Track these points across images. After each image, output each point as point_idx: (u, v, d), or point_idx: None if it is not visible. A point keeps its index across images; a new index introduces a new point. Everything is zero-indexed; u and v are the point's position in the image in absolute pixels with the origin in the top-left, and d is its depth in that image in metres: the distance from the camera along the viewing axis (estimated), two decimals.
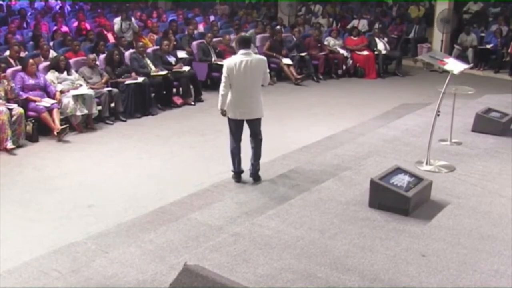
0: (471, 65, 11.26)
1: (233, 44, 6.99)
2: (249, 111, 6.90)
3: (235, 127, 7.01)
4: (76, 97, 9.49)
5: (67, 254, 5.31)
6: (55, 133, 9.04)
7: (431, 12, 18.30)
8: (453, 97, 7.90)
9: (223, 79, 6.89)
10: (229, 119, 7.00)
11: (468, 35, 15.93)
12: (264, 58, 7.23)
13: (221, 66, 12.14)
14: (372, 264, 4.61)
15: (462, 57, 13.87)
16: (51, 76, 9.80)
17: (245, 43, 6.96)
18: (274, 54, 13.84)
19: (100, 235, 5.74)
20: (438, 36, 16.14)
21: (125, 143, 9.14)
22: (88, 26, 14.97)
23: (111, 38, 13.89)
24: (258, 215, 5.69)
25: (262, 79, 6.98)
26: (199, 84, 12.04)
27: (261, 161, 7.70)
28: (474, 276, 4.46)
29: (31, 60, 9.57)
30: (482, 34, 16.61)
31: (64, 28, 14.69)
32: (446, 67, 6.84)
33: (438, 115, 6.79)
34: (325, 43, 15.05)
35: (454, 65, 6.89)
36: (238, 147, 7.09)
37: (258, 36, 14.58)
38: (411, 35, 17.65)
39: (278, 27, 15.80)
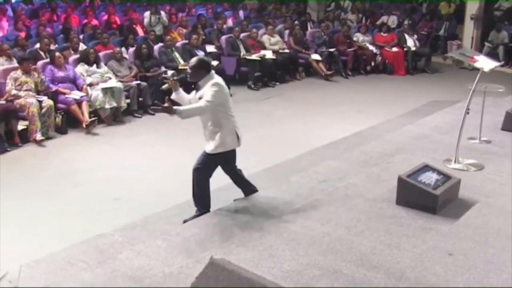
0: (502, 62, 11.08)
1: (192, 67, 6.10)
2: None
3: (232, 157, 6.12)
4: (105, 90, 9.58)
5: (94, 245, 5.34)
6: (84, 125, 9.13)
7: (462, 9, 18.08)
8: (483, 95, 7.79)
9: (212, 103, 5.81)
10: (225, 153, 5.97)
11: (499, 32, 15.69)
12: None
13: (249, 60, 12.40)
14: (399, 261, 4.58)
15: (492, 55, 13.65)
16: (81, 69, 9.89)
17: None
18: (304, 51, 13.81)
19: (126, 227, 5.77)
20: (468, 33, 15.97)
21: (153, 136, 9.19)
22: (117, 19, 15.07)
23: (140, 31, 13.97)
24: (284, 210, 5.68)
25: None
26: (227, 79, 12.03)
27: (288, 156, 7.75)
28: (501, 276, 4.40)
29: (57, 53, 9.68)
30: None
31: (94, 22, 14.81)
32: (476, 65, 6.76)
33: (468, 113, 6.72)
34: (354, 39, 14.99)
35: (485, 63, 6.81)
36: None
37: (287, 32, 14.51)
38: (441, 32, 17.49)
39: (296, 22, 15.65)
